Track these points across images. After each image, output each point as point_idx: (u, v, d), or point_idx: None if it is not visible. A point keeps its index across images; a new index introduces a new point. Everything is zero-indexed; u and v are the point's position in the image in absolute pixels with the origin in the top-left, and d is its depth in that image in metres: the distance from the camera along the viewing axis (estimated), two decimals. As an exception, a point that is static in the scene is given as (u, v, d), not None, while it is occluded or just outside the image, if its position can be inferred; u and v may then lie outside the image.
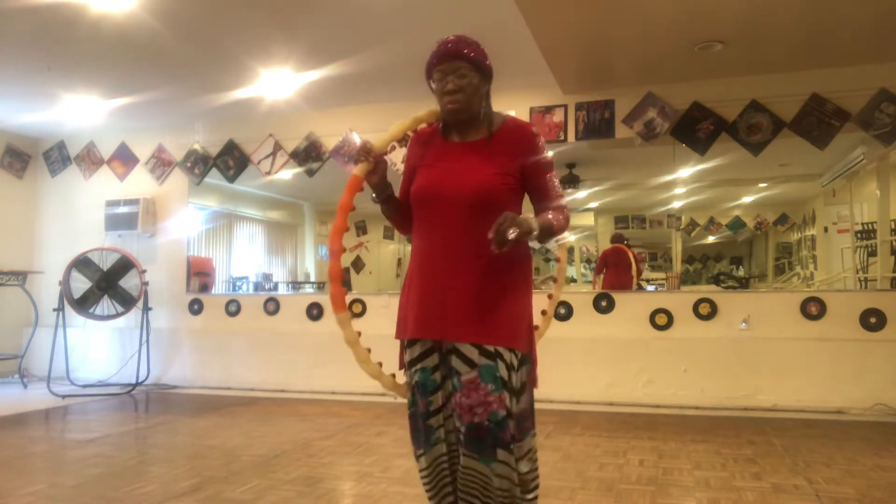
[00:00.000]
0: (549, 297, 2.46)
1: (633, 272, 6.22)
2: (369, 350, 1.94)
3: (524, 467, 1.91)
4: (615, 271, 6.33)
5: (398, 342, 2.03)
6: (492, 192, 1.85)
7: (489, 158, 1.89)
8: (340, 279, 1.88)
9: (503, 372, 1.80)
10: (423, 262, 1.92)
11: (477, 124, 1.95)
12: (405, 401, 2.00)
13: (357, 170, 1.91)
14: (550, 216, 1.84)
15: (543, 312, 2.39)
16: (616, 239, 6.79)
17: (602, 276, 6.55)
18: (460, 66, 1.86)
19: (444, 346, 1.89)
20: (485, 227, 1.68)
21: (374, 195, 2.00)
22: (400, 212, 2.05)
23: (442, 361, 1.90)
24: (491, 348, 1.81)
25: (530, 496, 1.95)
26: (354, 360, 1.93)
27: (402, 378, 2.04)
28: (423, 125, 2.05)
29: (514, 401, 1.84)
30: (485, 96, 1.95)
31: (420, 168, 1.98)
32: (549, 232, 1.81)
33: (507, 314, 1.85)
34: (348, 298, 5.70)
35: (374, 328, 5.86)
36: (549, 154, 1.98)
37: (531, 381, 1.95)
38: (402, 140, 2.06)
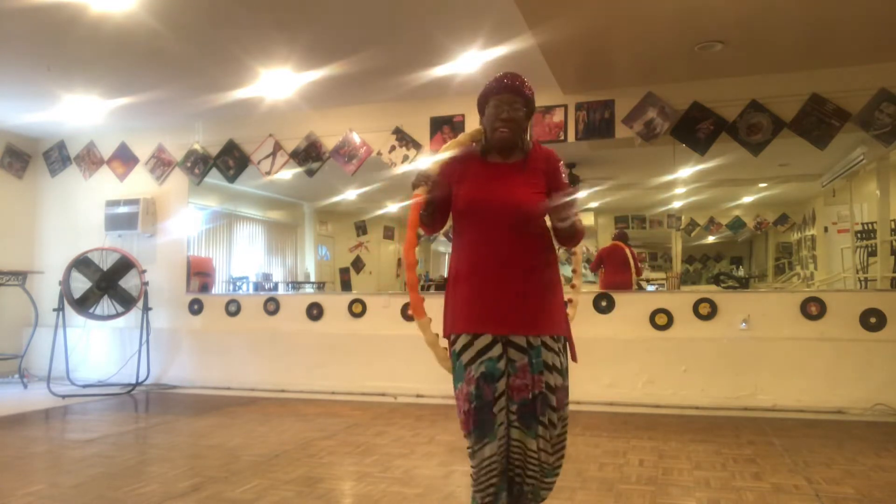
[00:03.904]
0: (573, 286, 2.72)
1: (632, 270, 6.21)
2: (446, 349, 2.18)
3: (559, 436, 2.19)
4: (612, 269, 6.34)
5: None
6: (535, 207, 2.15)
7: (527, 178, 2.21)
8: (418, 288, 2.17)
9: (546, 357, 2.11)
10: (475, 265, 2.19)
11: (514, 148, 2.26)
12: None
13: (420, 191, 2.18)
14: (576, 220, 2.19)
15: (569, 301, 2.59)
16: (617, 237, 6.81)
17: (599, 274, 6.57)
18: (516, 100, 2.19)
19: (502, 338, 2.14)
20: (526, 236, 2.12)
21: (423, 210, 2.25)
22: (435, 218, 2.32)
23: (505, 351, 2.13)
24: (536, 339, 2.11)
25: (549, 479, 2.20)
26: (434, 361, 2.19)
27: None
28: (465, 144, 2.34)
29: (560, 378, 2.14)
30: (526, 128, 2.29)
31: (462, 182, 2.24)
32: (574, 228, 2.12)
33: (551, 306, 2.17)
34: (349, 299, 5.77)
35: (374, 328, 5.95)
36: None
37: (572, 357, 2.26)
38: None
